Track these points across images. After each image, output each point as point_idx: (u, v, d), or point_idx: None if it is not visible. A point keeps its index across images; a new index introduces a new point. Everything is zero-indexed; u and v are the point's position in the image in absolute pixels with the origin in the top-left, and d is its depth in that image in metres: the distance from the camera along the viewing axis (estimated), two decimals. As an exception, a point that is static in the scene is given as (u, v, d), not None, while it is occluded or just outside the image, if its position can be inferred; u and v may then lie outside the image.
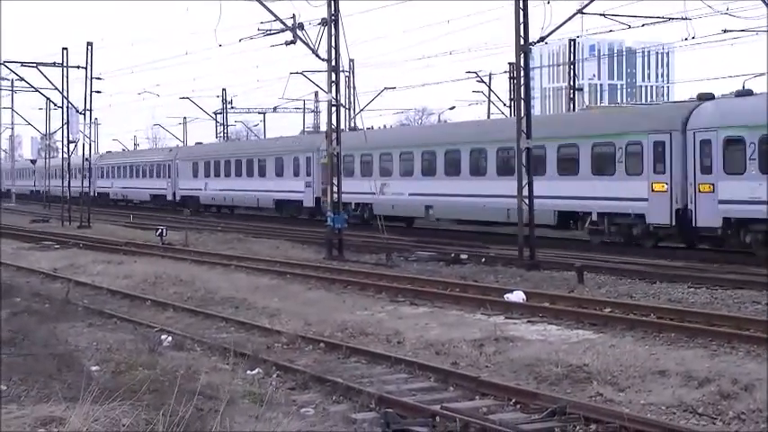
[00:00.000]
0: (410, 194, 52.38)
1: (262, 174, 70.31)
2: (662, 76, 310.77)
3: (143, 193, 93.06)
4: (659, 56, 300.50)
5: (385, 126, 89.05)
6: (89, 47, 65.89)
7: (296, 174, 64.75)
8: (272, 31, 41.78)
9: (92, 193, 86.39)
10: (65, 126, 71.09)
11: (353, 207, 55.69)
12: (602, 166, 41.00)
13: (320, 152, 56.69)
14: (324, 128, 52.44)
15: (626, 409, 14.56)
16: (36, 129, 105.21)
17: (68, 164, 72.97)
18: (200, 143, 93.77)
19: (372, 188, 53.20)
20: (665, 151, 38.14)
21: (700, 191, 36.44)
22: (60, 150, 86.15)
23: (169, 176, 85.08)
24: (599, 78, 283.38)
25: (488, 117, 77.58)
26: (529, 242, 36.05)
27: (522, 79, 38.16)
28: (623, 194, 39.50)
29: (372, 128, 68.80)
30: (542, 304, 25.66)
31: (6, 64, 70.89)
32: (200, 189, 79.06)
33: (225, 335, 22.45)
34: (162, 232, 48.01)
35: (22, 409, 13.03)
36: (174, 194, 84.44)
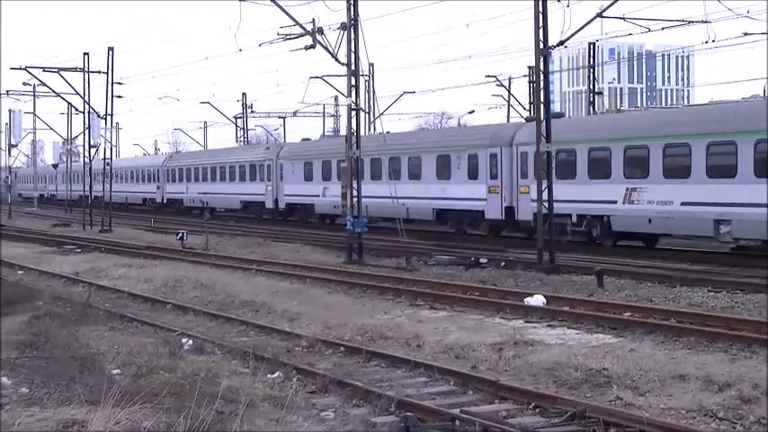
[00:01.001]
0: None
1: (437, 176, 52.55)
2: (682, 79, 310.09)
3: (231, 199, 76.59)
4: (679, 59, 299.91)
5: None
6: (110, 52, 66.07)
7: (473, 175, 49.34)
8: (292, 36, 41.84)
9: (160, 200, 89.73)
10: (86, 131, 71.34)
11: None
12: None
13: (515, 147, 47.01)
14: (343, 132, 52.34)
15: (646, 414, 14.55)
16: (58, 133, 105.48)
17: (90, 168, 73.32)
18: (308, 139, 79.14)
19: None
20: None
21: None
22: (81, 155, 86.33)
23: (268, 179, 70.46)
24: (619, 82, 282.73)
25: (508, 121, 77.43)
26: (549, 246, 36.04)
27: (542, 83, 38.15)
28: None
29: (389, 132, 67.40)
30: (562, 308, 25.63)
31: (28, 69, 71.15)
32: (317, 196, 63.27)
33: (245, 338, 22.50)
34: (182, 236, 48.12)
35: (44, 411, 13.09)
36: (275, 201, 69.97)
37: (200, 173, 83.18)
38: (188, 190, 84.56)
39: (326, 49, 41.09)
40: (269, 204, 70.49)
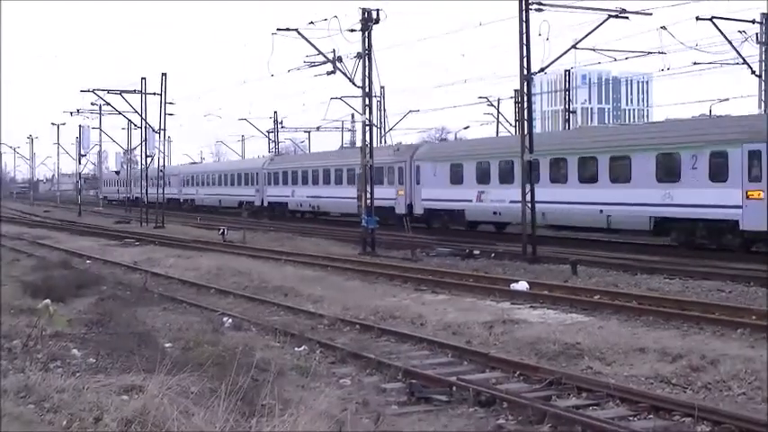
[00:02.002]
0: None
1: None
2: (642, 101, 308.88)
3: (351, 204, 56.19)
4: (640, 84, 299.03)
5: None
6: (163, 77, 66.12)
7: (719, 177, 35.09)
8: (316, 63, 41.88)
9: (261, 203, 76.00)
10: (143, 143, 71.51)
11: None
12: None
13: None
14: (359, 144, 52.21)
15: (612, 380, 14.55)
16: (119, 145, 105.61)
17: (146, 174, 73.55)
18: (444, 139, 67.32)
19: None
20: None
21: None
22: (139, 163, 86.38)
23: (400, 183, 55.53)
24: (590, 103, 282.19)
25: (497, 135, 77.23)
26: (531, 240, 36.03)
27: (525, 103, 38.17)
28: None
29: (401, 143, 64.73)
30: (542, 292, 25.59)
31: (96, 92, 71.38)
32: (469, 201, 48.45)
33: (276, 318, 22.50)
34: (224, 231, 48.10)
35: (108, 378, 13.10)
36: (408, 207, 54.38)
37: (309, 175, 68.26)
38: (294, 193, 70.26)
39: (345, 74, 41.15)
40: (400, 210, 54.68)
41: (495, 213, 46.09)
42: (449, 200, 50.20)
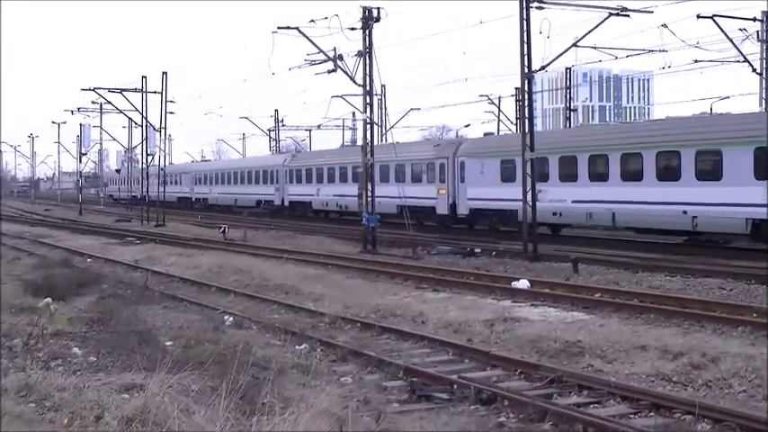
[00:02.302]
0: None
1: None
2: (643, 98, 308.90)
3: (384, 203, 49.03)
4: (641, 82, 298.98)
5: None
6: (164, 75, 66.15)
7: None
8: (317, 62, 41.87)
9: (281, 203, 71.90)
10: (144, 141, 71.56)
11: None
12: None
13: None
14: (360, 142, 52.13)
15: (613, 378, 14.55)
16: (120, 144, 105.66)
17: (147, 173, 73.58)
18: (490, 133, 60.13)
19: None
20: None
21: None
22: (140, 162, 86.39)
23: (441, 181, 50.23)
24: (591, 101, 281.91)
25: (498, 133, 77.23)
26: (532, 238, 36.03)
27: (527, 101, 38.17)
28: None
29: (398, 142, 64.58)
30: (543, 290, 25.59)
31: (96, 90, 71.33)
32: (565, 201, 41.36)
33: (277, 316, 22.51)
34: (224, 230, 48.11)
35: (109, 376, 13.12)
36: (452, 206, 49.79)
37: (336, 173, 63.19)
38: (319, 192, 65.28)
39: (346, 72, 41.15)
40: (442, 210, 50.46)
41: (554, 214, 41.42)
42: (498, 199, 45.31)
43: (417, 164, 52.64)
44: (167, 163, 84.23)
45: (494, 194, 45.92)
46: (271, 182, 74.50)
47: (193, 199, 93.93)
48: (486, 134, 56.62)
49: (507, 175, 44.73)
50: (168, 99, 66.92)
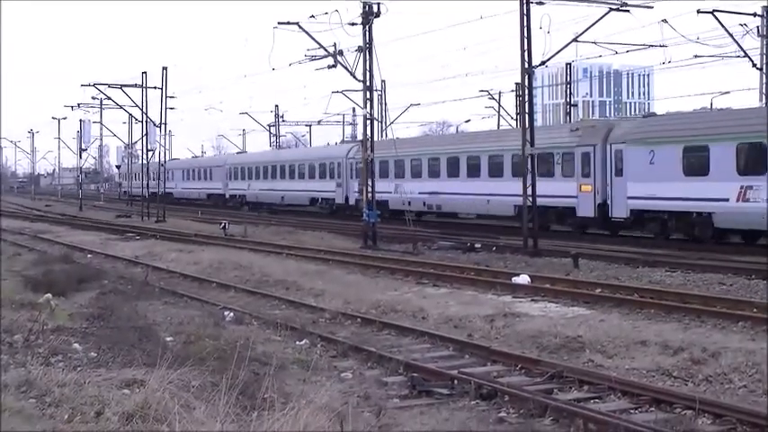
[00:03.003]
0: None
1: None
2: (643, 94, 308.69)
3: (499, 203, 45.38)
4: (641, 77, 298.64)
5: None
6: (164, 71, 66.12)
7: None
8: (317, 57, 41.83)
9: (344, 201, 62.21)
10: (144, 137, 71.56)
11: None
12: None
13: None
14: (360, 137, 52.02)
15: (613, 373, 14.55)
16: (120, 139, 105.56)
17: (147, 168, 73.53)
18: (651, 114, 46.25)
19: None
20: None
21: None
22: (140, 158, 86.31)
23: (584, 174, 41.26)
24: (591, 96, 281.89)
25: (498, 128, 77.17)
26: (532, 233, 36.03)
27: (527, 97, 38.16)
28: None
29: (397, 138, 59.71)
30: (544, 286, 25.60)
31: (96, 86, 71.29)
32: (723, 200, 34.14)
33: (277, 311, 22.49)
34: (225, 225, 48.08)
35: (110, 372, 13.13)
36: (599, 207, 40.58)
37: (424, 165, 52.93)
38: (400, 189, 51.36)
39: (346, 68, 41.10)
40: (585, 211, 41.22)
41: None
42: (679, 198, 35.83)
43: (547, 154, 41.50)
44: (167, 158, 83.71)
45: (670, 192, 36.18)
46: (331, 176, 64.24)
47: (227, 196, 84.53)
48: (646, 115, 44.24)
49: (695, 167, 35.46)
50: (168, 95, 66.96)
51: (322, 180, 65.70)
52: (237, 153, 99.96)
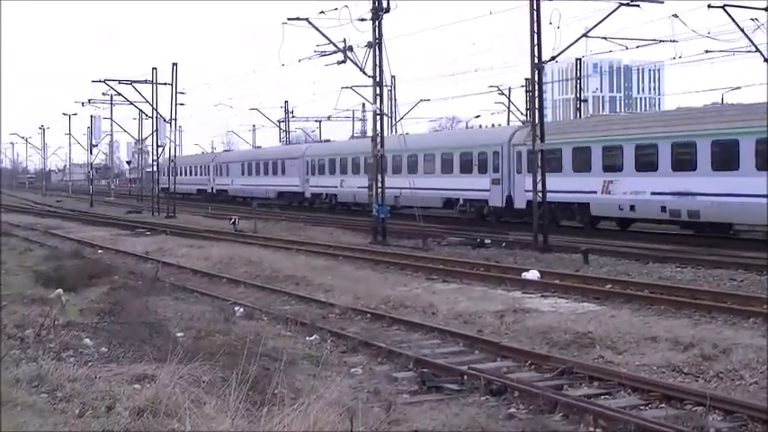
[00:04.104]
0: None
1: None
2: (653, 89, 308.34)
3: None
4: (651, 72, 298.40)
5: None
6: (174, 67, 66.18)
7: None
8: (327, 53, 41.89)
9: (506, 202, 46.41)
10: (154, 133, 71.63)
11: None
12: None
13: None
14: (370, 133, 51.98)
15: (623, 369, 14.55)
16: (131, 135, 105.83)
17: (158, 165, 73.57)
18: None
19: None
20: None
21: None
22: (150, 154, 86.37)
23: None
24: (601, 91, 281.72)
25: (508, 124, 77.10)
26: (542, 229, 36.00)
27: (537, 92, 38.12)
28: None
29: (408, 133, 57.57)
30: (553, 281, 25.58)
31: (107, 82, 71.42)
32: None
33: (287, 307, 22.52)
34: (235, 221, 48.12)
35: (120, 367, 13.13)
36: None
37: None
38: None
39: (355, 63, 41.14)
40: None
41: None
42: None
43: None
44: (176, 154, 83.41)
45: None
46: (482, 170, 48.38)
47: (307, 194, 69.38)
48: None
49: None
50: (178, 90, 67.04)
51: (466, 175, 49.62)
52: (322, 141, 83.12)
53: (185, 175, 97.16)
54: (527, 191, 40.95)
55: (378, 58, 40.42)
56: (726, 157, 34.07)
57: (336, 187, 63.74)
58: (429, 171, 52.41)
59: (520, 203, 44.29)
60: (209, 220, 58.70)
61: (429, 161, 52.68)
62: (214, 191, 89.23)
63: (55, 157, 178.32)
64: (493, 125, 66.96)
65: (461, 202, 50.31)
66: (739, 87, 61.66)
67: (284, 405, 10.40)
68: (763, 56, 45.09)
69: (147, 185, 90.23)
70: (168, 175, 68.90)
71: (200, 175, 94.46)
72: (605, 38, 40.21)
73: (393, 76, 72.34)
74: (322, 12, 39.84)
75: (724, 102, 41.19)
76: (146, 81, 68.74)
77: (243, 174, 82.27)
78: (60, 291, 21.39)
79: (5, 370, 12.39)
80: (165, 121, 68.12)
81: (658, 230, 39.02)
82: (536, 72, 37.25)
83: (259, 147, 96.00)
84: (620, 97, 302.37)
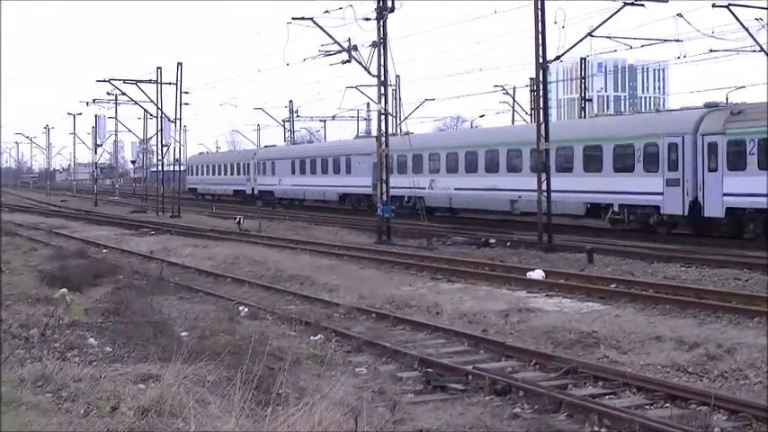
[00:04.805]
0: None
1: None
2: (658, 88, 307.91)
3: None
4: (656, 71, 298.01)
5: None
6: (179, 66, 66.20)
7: None
8: (331, 52, 41.91)
9: (683, 212, 36.62)
10: (159, 133, 71.64)
11: None
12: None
13: None
14: (374, 133, 51.99)
15: (628, 369, 14.55)
16: (135, 135, 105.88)
17: (163, 165, 73.54)
18: None
19: None
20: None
21: None
22: (155, 153, 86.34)
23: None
24: (606, 91, 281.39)
25: (512, 124, 77.00)
26: (547, 228, 35.99)
27: (541, 92, 38.11)
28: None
29: (412, 133, 55.82)
30: (558, 281, 25.57)
31: (111, 81, 71.42)
32: None
33: (292, 306, 22.52)
34: (239, 220, 48.13)
35: (125, 366, 13.14)
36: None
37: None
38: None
39: (360, 63, 41.15)
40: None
41: None
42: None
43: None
44: (182, 154, 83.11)
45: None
46: (649, 167, 38.76)
47: (407, 199, 52.65)
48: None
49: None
50: (183, 90, 67.01)
51: (625, 174, 39.76)
52: (439, 131, 70.47)
53: (214, 174, 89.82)
54: (729, 194, 34.45)
55: (382, 57, 40.42)
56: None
57: (425, 188, 50.95)
58: (565, 169, 42.26)
59: (714, 211, 35.42)
60: (213, 219, 58.70)
61: (568, 154, 42.81)
62: (255, 192, 78.13)
63: (60, 156, 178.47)
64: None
65: (615, 208, 40.41)
66: (744, 87, 61.48)
67: (289, 405, 10.42)
68: (768, 55, 45.06)
69: (153, 185, 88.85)
70: (178, 176, 68.61)
71: (237, 173, 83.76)
72: (610, 37, 40.23)
73: (398, 76, 72.66)
74: (327, 11, 39.94)
75: (728, 101, 40.99)
76: (150, 81, 68.74)
77: (294, 172, 71.69)
78: (65, 290, 21.24)
79: (10, 370, 12.41)
80: (169, 120, 68.13)
81: (662, 230, 38.93)
82: (540, 71, 37.25)
83: (310, 141, 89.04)
84: (625, 97, 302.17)
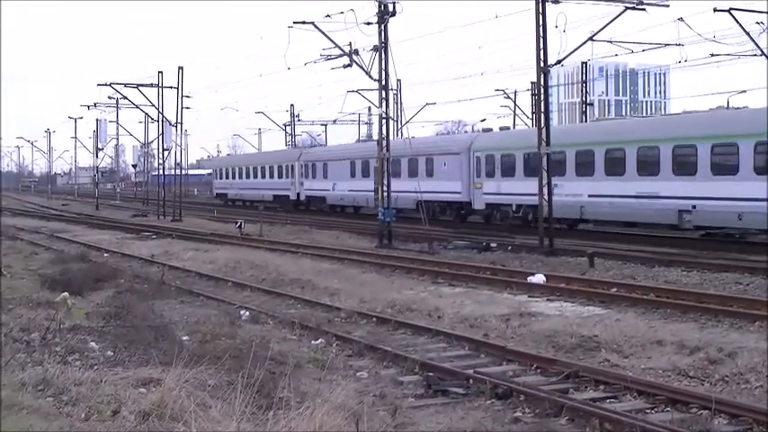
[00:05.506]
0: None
1: None
2: (659, 92, 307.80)
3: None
4: (657, 76, 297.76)
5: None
6: (180, 70, 66.16)
7: None
8: (332, 57, 41.94)
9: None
10: (160, 136, 71.62)
11: None
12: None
13: None
14: (375, 137, 51.99)
15: (629, 373, 14.53)
16: (136, 139, 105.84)
17: (164, 169, 73.46)
18: None
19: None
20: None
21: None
22: (156, 157, 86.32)
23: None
24: (607, 95, 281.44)
25: (514, 128, 76.98)
26: (548, 233, 35.99)
27: (543, 96, 38.11)
28: None
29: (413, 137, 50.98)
30: (559, 285, 25.57)
31: (113, 85, 71.46)
32: None
33: (293, 311, 22.52)
34: (241, 224, 48.12)
35: (126, 370, 13.16)
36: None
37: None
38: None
39: (361, 67, 41.16)
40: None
41: None
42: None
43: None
44: (183, 158, 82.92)
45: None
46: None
47: (478, 204, 48.98)
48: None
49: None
50: (184, 94, 67.01)
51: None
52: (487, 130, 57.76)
53: (249, 177, 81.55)
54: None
55: (383, 61, 40.44)
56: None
57: (508, 193, 45.91)
58: (720, 170, 34.33)
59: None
60: (214, 223, 58.72)
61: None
62: (301, 197, 70.98)
63: (61, 160, 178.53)
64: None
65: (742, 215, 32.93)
66: (745, 91, 61.45)
67: (290, 409, 10.42)
68: (769, 59, 45.05)
69: (154, 189, 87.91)
70: (181, 178, 68.59)
71: (277, 177, 75.31)
72: (611, 41, 40.20)
73: (399, 80, 72.55)
74: (328, 15, 39.98)
75: (729, 105, 40.99)
76: (152, 84, 68.76)
77: (354, 175, 61.74)
78: (66, 294, 21.32)
79: (11, 374, 12.41)
80: (170, 124, 68.14)
81: (664, 234, 38.92)
82: (542, 75, 37.26)
83: (366, 139, 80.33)
84: (626, 101, 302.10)
